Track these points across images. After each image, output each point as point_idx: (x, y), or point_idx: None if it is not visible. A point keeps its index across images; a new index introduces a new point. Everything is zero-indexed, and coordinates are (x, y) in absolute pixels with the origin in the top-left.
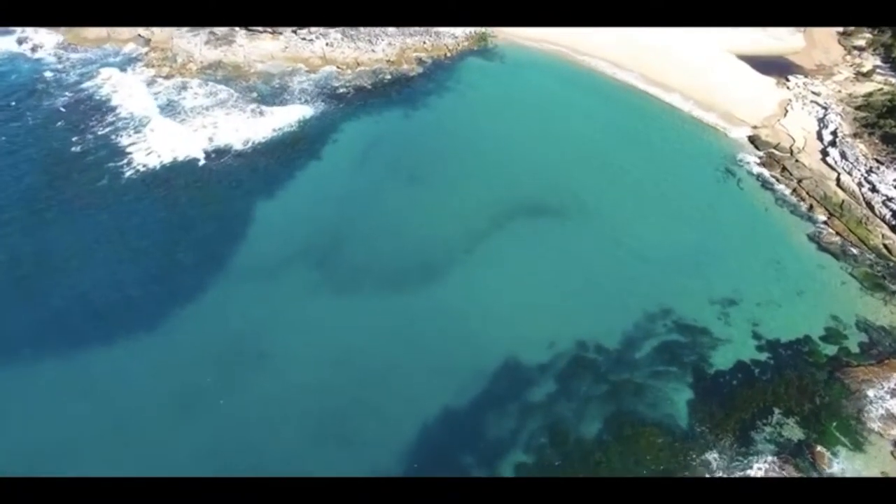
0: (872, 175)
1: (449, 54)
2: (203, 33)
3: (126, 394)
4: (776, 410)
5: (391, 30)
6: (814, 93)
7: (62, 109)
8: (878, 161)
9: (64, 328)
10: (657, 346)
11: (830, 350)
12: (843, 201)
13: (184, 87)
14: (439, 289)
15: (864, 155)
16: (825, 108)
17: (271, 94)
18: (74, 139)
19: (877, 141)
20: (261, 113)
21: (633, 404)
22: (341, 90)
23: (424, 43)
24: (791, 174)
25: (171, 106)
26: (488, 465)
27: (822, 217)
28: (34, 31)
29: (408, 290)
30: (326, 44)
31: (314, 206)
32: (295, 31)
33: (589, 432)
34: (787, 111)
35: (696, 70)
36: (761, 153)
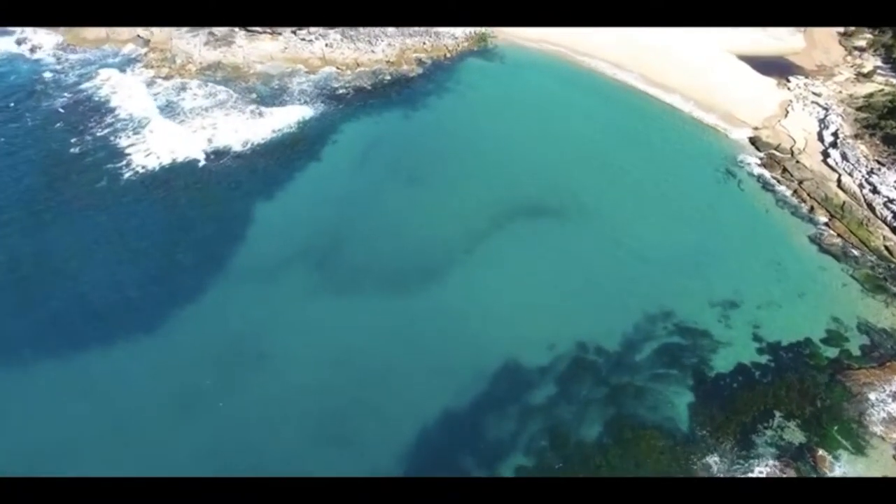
0: (873, 176)
1: (449, 55)
2: (202, 34)
3: (125, 395)
4: (777, 413)
5: (391, 30)
6: (814, 93)
7: (61, 110)
8: (879, 162)
9: (63, 329)
10: (657, 348)
11: (832, 352)
12: (844, 203)
13: (183, 88)
14: (439, 289)
15: (865, 156)
16: (826, 109)
17: (271, 95)
18: (73, 140)
19: (878, 142)
20: (260, 114)
21: (633, 407)
22: (341, 91)
23: (424, 43)
24: (792, 175)
25: (171, 107)
26: (488, 468)
27: (823, 218)
28: (33, 32)
29: (407, 290)
30: (326, 45)
31: (314, 207)
32: (294, 32)
33: (589, 435)
34: (787, 112)
35: (696, 70)
36: (762, 154)
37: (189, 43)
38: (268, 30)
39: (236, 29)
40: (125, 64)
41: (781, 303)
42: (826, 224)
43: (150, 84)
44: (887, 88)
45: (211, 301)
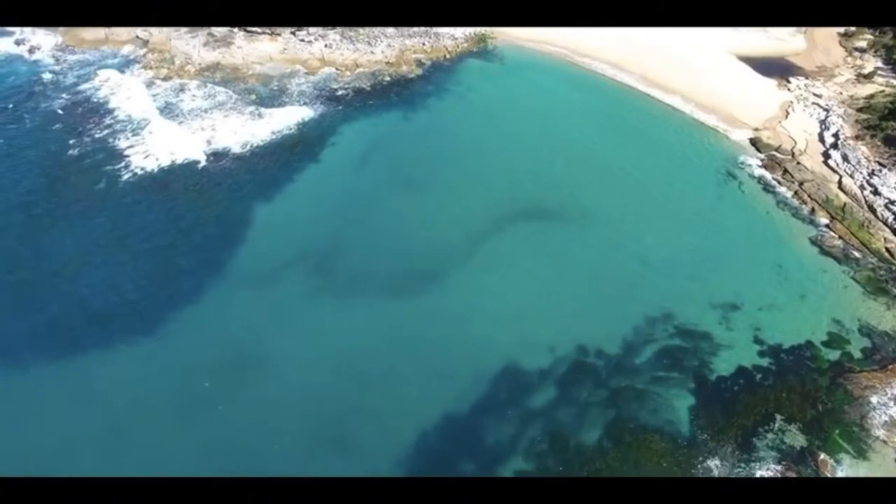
0: (874, 178)
1: (448, 56)
2: (201, 35)
3: (124, 397)
4: (778, 417)
5: (390, 31)
6: (815, 94)
7: (60, 112)
8: (880, 164)
9: (62, 331)
10: (658, 350)
11: (833, 355)
12: (844, 204)
13: (182, 89)
14: (439, 292)
15: (865, 157)
16: (826, 110)
17: (270, 96)
18: (72, 142)
19: (879, 143)
20: (259, 115)
21: (634, 410)
22: (340, 92)
23: (424, 44)
24: (793, 177)
25: (170, 108)
26: (488, 471)
27: (824, 220)
28: (32, 33)
29: (407, 293)
30: (325, 45)
31: (313, 209)
32: (294, 33)
33: (589, 439)
34: (788, 113)
35: (696, 72)
36: (762, 156)
37: (188, 44)
38: (267, 31)
39: (235, 30)
40: (124, 65)
41: (782, 305)
42: (827, 226)
43: (149, 85)
44: (888, 89)
45: (210, 303)
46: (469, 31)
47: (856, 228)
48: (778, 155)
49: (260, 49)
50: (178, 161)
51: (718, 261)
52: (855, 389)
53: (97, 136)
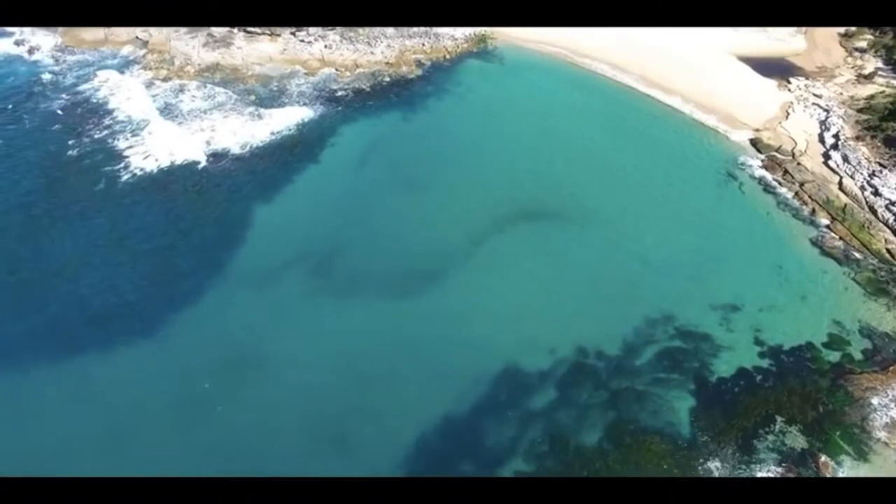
0: (875, 179)
1: (448, 56)
2: (201, 35)
3: (124, 398)
4: (779, 418)
5: (390, 31)
6: (815, 95)
7: (59, 112)
8: (880, 164)
9: (61, 332)
10: (658, 352)
11: (834, 357)
12: (845, 205)
13: (181, 90)
14: (439, 293)
15: (866, 158)
16: (827, 111)
17: (269, 96)
18: (71, 142)
19: (879, 144)
20: (259, 116)
21: (634, 412)
22: (340, 93)
23: (423, 45)
24: (793, 177)
25: (169, 109)
26: (487, 472)
27: (825, 221)
28: (31, 33)
29: (407, 294)
30: (325, 46)
31: (313, 210)
32: (293, 34)
33: (589, 440)
34: (788, 114)
35: (696, 72)
36: (763, 156)
37: (188, 44)
38: (266, 31)
39: (235, 30)
40: (123, 65)
41: (783, 306)
42: (827, 227)
43: (148, 86)
44: (888, 90)
45: (210, 304)
46: (469, 31)
47: (856, 229)
48: (778, 156)
49: (259, 50)
50: (178, 162)
51: (719, 261)
52: (856, 391)
53: (96, 136)
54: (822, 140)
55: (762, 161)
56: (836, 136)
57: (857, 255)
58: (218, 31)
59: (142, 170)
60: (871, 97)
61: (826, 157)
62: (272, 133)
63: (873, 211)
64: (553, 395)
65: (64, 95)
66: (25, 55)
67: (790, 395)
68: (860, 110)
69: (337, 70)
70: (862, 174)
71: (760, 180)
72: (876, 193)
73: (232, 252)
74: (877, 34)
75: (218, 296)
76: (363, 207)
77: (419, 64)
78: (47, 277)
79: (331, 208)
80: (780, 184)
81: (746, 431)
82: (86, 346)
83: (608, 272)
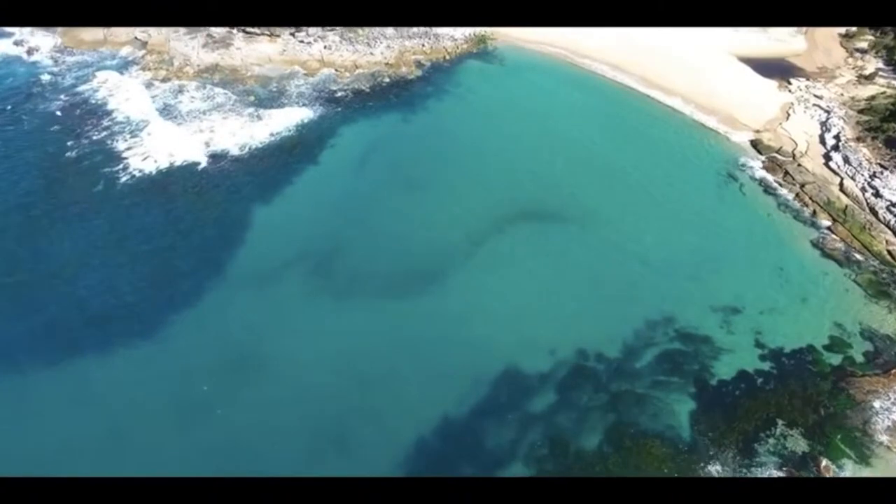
0: (876, 180)
1: (448, 57)
2: (200, 36)
3: (123, 400)
4: (780, 422)
5: (390, 32)
6: (816, 96)
7: (58, 113)
8: (881, 166)
9: (60, 334)
10: (658, 354)
11: (835, 359)
12: (846, 206)
13: (181, 91)
14: (439, 293)
15: (867, 159)
16: (827, 112)
17: (269, 97)
18: (70, 143)
19: (880, 145)
20: (258, 117)
21: (634, 415)
22: (339, 93)
23: (423, 45)
24: (794, 179)
25: (168, 110)
26: (487, 474)
27: (826, 222)
28: (30, 34)
29: (407, 294)
30: (324, 46)
31: (313, 210)
32: (293, 34)
33: (589, 443)
34: (789, 115)
35: (697, 73)
36: (763, 157)
37: (187, 45)
38: (266, 32)
39: (234, 31)
40: (123, 66)
41: (784, 308)
42: (828, 228)
43: (147, 86)
44: (889, 91)
45: (209, 305)
46: (469, 31)
47: (857, 231)
48: (779, 157)
49: (259, 50)
50: (177, 163)
51: (719, 263)
52: (857, 394)
53: (95, 137)
54: (822, 141)
55: (763, 162)
56: (836, 137)
57: (859, 256)
58: (217, 31)
59: (141, 171)
60: (872, 98)
61: (827, 158)
62: (271, 134)
63: (874, 212)
64: (553, 397)
65: (63, 96)
66: (24, 56)
67: (791, 398)
68: (861, 111)
69: (336, 71)
70: (863, 175)
71: (761, 181)
72: (877, 195)
73: (231, 253)
74: (877, 35)
75: (217, 296)
76: (363, 208)
77: (419, 64)
78: (46, 279)
79: (331, 209)
80: (780, 185)
81: (747, 435)
82: (85, 348)
83: (608, 272)
